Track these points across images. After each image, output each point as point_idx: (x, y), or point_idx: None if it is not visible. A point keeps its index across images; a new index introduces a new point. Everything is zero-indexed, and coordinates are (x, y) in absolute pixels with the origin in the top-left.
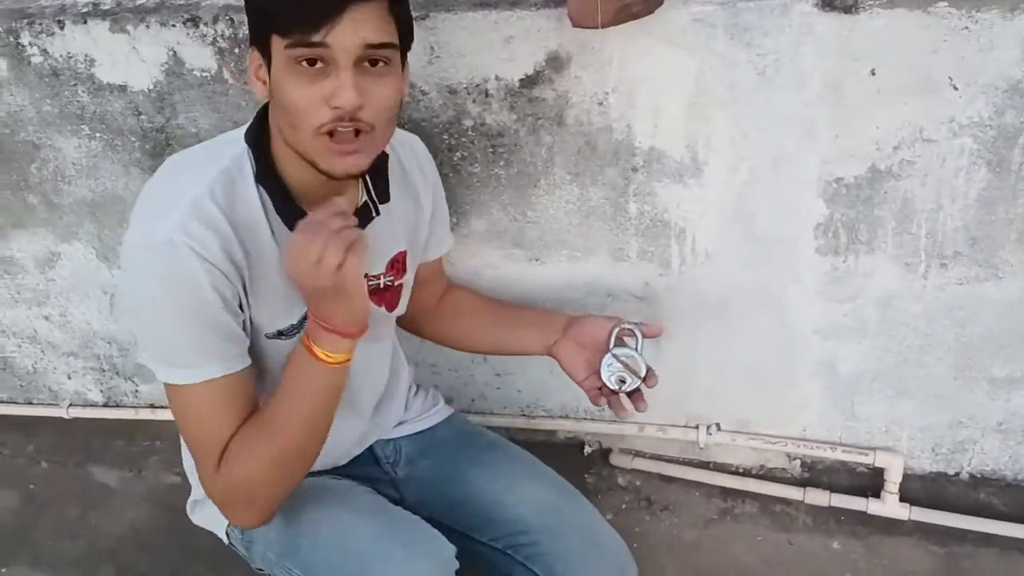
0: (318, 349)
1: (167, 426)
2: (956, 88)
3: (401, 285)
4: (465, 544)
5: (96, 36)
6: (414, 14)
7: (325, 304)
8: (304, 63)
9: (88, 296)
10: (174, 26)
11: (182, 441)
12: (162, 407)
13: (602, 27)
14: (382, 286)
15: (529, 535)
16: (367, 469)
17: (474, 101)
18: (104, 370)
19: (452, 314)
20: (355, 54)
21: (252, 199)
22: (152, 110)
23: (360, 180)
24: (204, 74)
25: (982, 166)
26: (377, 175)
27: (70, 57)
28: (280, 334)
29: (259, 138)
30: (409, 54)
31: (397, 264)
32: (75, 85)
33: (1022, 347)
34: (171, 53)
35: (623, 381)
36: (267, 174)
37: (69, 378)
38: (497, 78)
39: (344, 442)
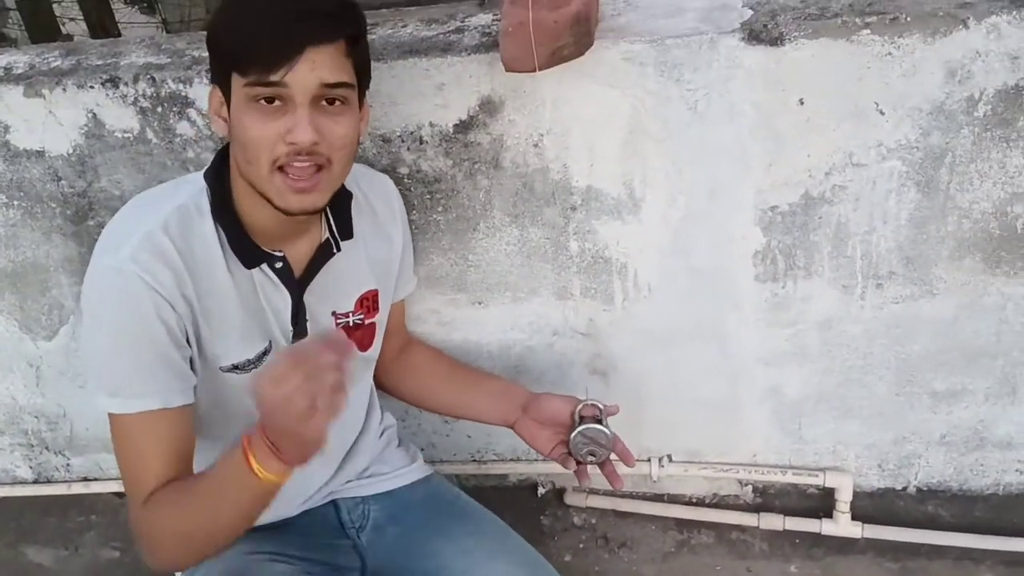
0: (255, 462)
1: (102, 500)
2: (883, 113)
3: (373, 324)
4: None
5: (9, 102)
6: None
7: (280, 432)
8: (262, 101)
9: (12, 370)
10: (92, 87)
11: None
12: (95, 479)
13: (538, 70)
14: (351, 324)
15: None
16: (329, 537)
17: (408, 148)
18: (33, 445)
19: (411, 370)
20: (312, 93)
21: (208, 235)
22: (72, 174)
23: (322, 217)
24: (126, 135)
25: (911, 187)
26: (338, 212)
27: None
28: (235, 368)
29: (218, 176)
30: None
31: (367, 302)
32: None
33: (960, 361)
34: (90, 115)
35: (593, 455)
36: (223, 210)
37: None
38: (431, 124)
39: (308, 489)
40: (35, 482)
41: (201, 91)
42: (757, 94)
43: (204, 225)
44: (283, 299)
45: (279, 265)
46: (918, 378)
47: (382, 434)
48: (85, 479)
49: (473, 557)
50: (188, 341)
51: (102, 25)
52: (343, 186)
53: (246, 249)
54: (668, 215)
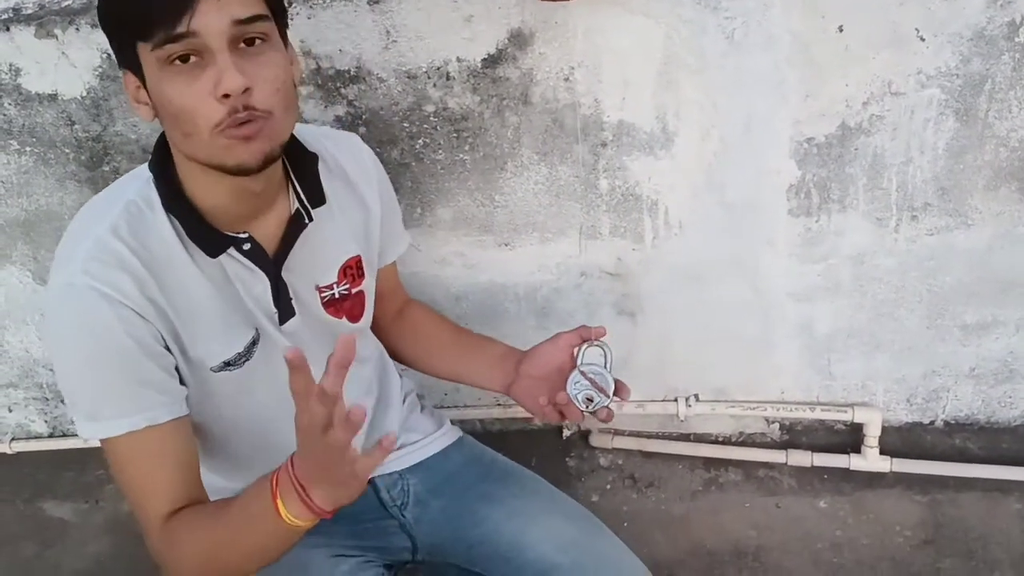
0: (282, 506)
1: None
2: (923, 39)
3: (361, 292)
4: None
5: (20, 43)
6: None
7: (316, 475)
8: (177, 61)
9: (25, 322)
10: None
11: None
12: None
13: None
14: (337, 296)
15: (554, 574)
16: (374, 519)
17: (435, 85)
18: (48, 399)
19: (410, 334)
20: (227, 34)
21: (164, 229)
22: (87, 118)
23: (288, 186)
24: None
25: (950, 115)
26: (304, 176)
27: None
28: (227, 365)
29: (162, 166)
30: (291, 32)
31: (350, 270)
32: (0, 98)
33: (993, 292)
34: (105, 56)
35: (590, 400)
36: (175, 200)
37: (10, 411)
38: (458, 59)
39: None
40: (51, 436)
41: None
42: (795, 22)
43: (157, 219)
44: (260, 281)
45: (247, 247)
46: (949, 311)
47: (404, 400)
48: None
49: (524, 518)
50: (168, 348)
51: None
52: (306, 149)
53: (207, 236)
54: (702, 149)
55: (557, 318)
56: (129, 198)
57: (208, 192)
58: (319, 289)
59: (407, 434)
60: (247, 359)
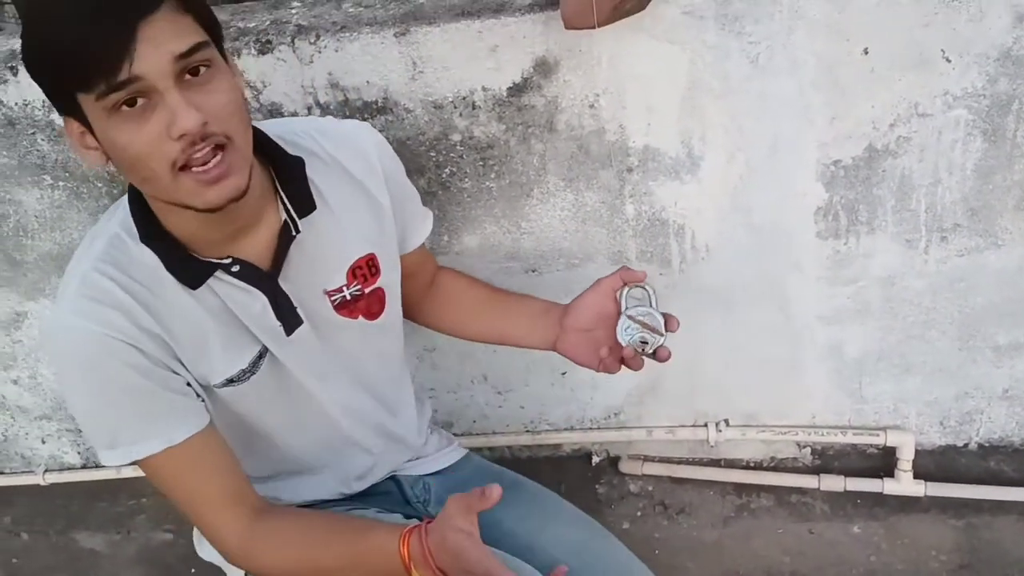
0: (415, 571)
1: (152, 483)
2: (949, 60)
3: (379, 290)
4: None
5: None
6: (393, 31)
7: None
8: (124, 107)
9: None
10: None
11: None
12: None
13: (598, 26)
14: (349, 297)
15: None
16: (401, 508)
17: (461, 114)
18: (80, 430)
19: (445, 301)
20: (171, 72)
21: (148, 258)
22: None
23: (276, 196)
24: None
25: (977, 136)
26: (290, 184)
27: (26, 105)
28: (230, 381)
29: (137, 197)
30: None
31: (361, 270)
32: (33, 133)
33: None
34: None
35: (645, 342)
36: (152, 235)
37: (43, 442)
38: (484, 88)
39: (364, 464)
40: (83, 467)
41: (250, 63)
42: (820, 45)
43: (141, 250)
44: (257, 300)
45: (236, 268)
46: (981, 332)
47: (419, 411)
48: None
49: (535, 522)
50: (174, 369)
51: None
52: (287, 155)
53: (185, 269)
54: (727, 173)
55: None
56: (113, 231)
57: (184, 224)
58: (328, 293)
59: (424, 447)
60: (252, 374)
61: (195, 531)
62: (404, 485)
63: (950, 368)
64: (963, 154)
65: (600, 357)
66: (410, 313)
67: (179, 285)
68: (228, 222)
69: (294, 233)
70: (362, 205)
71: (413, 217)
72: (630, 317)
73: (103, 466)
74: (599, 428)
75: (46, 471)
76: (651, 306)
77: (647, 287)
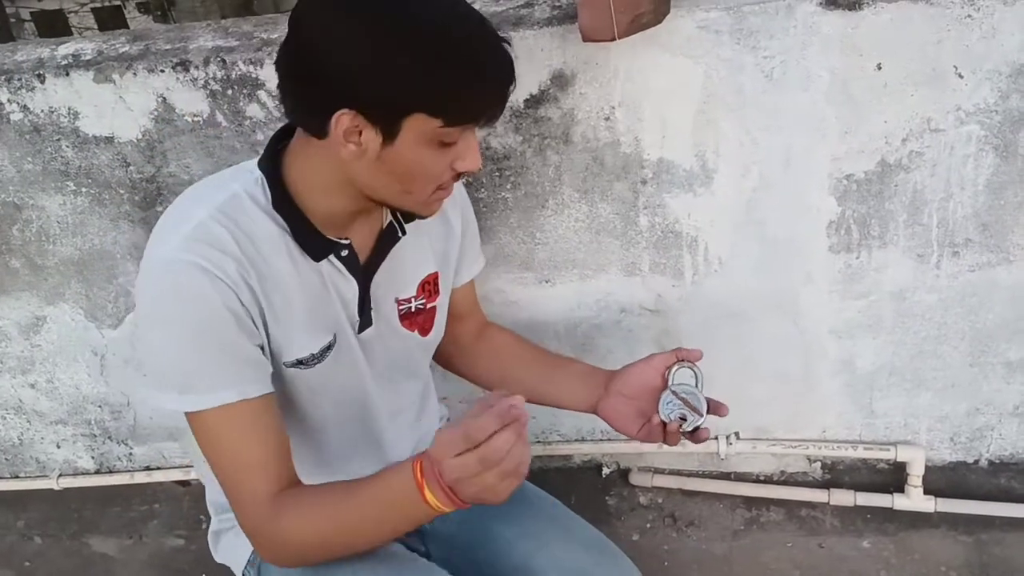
0: (430, 496)
1: (164, 488)
2: (961, 76)
3: (435, 308)
4: None
5: (79, 88)
6: None
7: (465, 483)
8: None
9: (76, 359)
10: (163, 71)
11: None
12: (158, 468)
13: (617, 39)
14: (413, 309)
15: None
16: None
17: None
18: (95, 435)
19: (492, 355)
20: None
21: (267, 224)
22: (141, 160)
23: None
24: (196, 119)
25: (989, 152)
26: None
27: (52, 112)
28: (300, 363)
29: (275, 166)
30: None
31: (428, 286)
32: (58, 140)
33: None
34: (160, 99)
35: (683, 419)
36: (284, 203)
37: (58, 447)
38: None
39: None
40: (97, 472)
41: (271, 73)
42: (834, 60)
43: (262, 214)
44: (351, 288)
45: (345, 253)
46: (992, 347)
47: (440, 423)
48: (148, 468)
49: (535, 542)
50: (257, 328)
51: None
52: None
53: (313, 241)
54: (741, 186)
55: (597, 354)
56: (235, 190)
57: (321, 203)
58: (398, 301)
59: None
60: (319, 361)
61: (210, 533)
62: None
63: (961, 384)
64: (975, 169)
65: (639, 425)
66: (453, 362)
67: (288, 258)
68: (361, 210)
69: (399, 235)
70: (439, 226)
71: (471, 251)
72: (674, 393)
73: (117, 471)
74: (610, 440)
75: (60, 476)
76: (696, 387)
77: (696, 369)
